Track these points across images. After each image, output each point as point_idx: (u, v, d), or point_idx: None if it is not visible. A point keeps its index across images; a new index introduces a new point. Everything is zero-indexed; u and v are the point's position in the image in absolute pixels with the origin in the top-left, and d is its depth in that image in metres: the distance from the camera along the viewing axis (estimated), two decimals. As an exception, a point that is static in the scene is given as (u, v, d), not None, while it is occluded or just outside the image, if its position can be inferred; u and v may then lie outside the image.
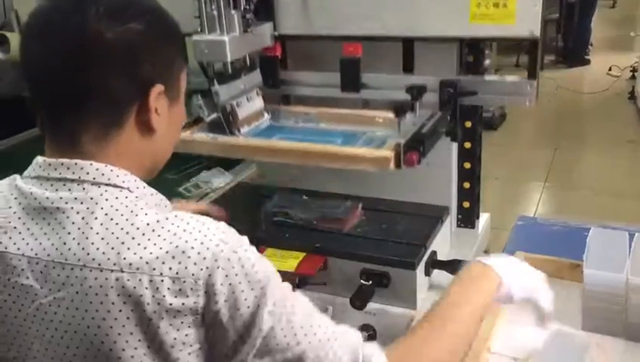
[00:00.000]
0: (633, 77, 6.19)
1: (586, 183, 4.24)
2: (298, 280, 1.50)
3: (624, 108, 5.69)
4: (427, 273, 1.58)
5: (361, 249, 1.55)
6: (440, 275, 1.62)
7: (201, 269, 0.84)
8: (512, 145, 4.84)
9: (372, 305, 1.48)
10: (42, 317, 0.87)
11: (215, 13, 1.51)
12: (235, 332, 0.86)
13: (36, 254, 0.87)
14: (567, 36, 7.01)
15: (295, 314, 0.90)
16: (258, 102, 1.71)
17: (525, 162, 4.64)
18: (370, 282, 1.49)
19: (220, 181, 2.42)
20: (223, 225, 0.90)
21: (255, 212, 1.66)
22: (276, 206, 1.73)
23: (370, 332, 1.48)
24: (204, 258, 0.84)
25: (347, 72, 1.71)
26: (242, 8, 1.56)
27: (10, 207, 0.91)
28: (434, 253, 1.60)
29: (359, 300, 1.45)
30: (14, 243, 0.89)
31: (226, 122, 1.60)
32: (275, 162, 1.73)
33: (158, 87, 0.93)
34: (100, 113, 0.91)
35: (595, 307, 1.32)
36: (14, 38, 2.46)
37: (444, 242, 1.73)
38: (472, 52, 1.69)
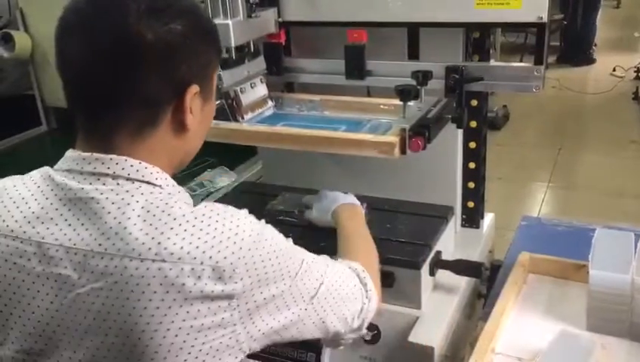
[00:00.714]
0: (637, 77, 6.16)
1: (590, 183, 4.22)
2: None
3: (628, 108, 5.67)
4: (432, 273, 1.57)
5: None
6: (444, 275, 1.62)
7: (239, 258, 0.89)
8: (515, 145, 4.83)
9: (376, 305, 1.48)
10: (79, 307, 0.87)
11: None
12: (269, 314, 0.95)
13: (74, 244, 0.88)
14: (571, 35, 6.99)
15: (327, 297, 1.05)
16: (262, 89, 1.70)
17: (529, 162, 4.63)
18: (375, 282, 1.49)
19: (224, 180, 2.42)
20: (247, 214, 0.96)
21: (259, 211, 1.65)
22: (280, 205, 1.73)
23: (374, 332, 1.48)
24: (240, 247, 0.90)
25: (352, 59, 1.70)
26: None
27: (47, 198, 0.92)
28: (439, 252, 1.60)
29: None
30: (52, 234, 0.89)
31: (230, 108, 1.60)
32: (280, 149, 1.72)
33: (194, 88, 0.95)
34: (137, 112, 0.92)
35: (601, 308, 1.32)
36: (19, 37, 2.46)
37: (448, 242, 1.72)
38: (478, 37, 1.68)
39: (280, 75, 1.81)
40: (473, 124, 1.79)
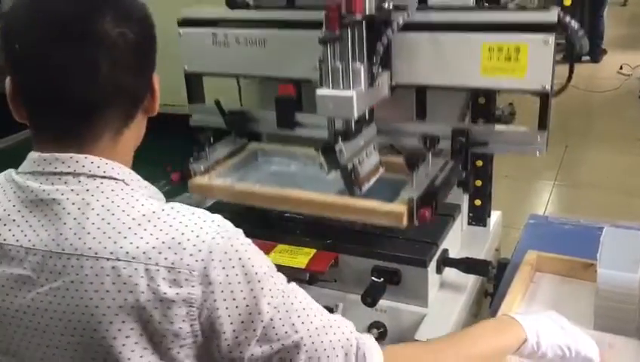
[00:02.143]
0: (644, 75, 6.16)
1: (596, 182, 4.21)
2: (309, 277, 1.50)
3: (635, 106, 5.65)
4: (438, 271, 1.57)
5: (373, 246, 1.54)
6: (451, 273, 1.62)
7: (197, 261, 0.86)
8: (521, 143, 4.82)
9: (383, 303, 1.48)
10: (37, 306, 0.88)
11: (339, 66, 1.44)
12: (233, 324, 0.88)
13: (34, 245, 0.89)
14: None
15: (293, 303, 0.93)
16: (375, 157, 1.66)
17: (535, 160, 4.59)
18: (382, 279, 1.49)
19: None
20: (218, 217, 0.92)
21: (267, 208, 1.66)
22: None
23: (380, 330, 1.48)
24: (200, 250, 0.86)
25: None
26: (368, 61, 1.49)
27: (10, 200, 0.93)
28: (445, 250, 1.60)
29: (370, 297, 1.44)
30: (13, 235, 0.90)
31: (347, 180, 1.56)
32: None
33: (156, 76, 1.00)
34: (121, 110, 0.95)
35: (608, 306, 1.31)
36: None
37: (455, 240, 1.72)
38: (483, 102, 1.73)
39: (292, 129, 1.84)
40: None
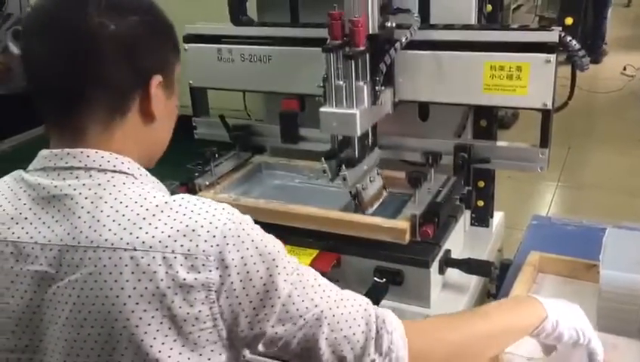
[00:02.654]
0: (648, 76, 6.14)
1: (599, 183, 4.20)
2: (312, 277, 1.50)
3: (638, 107, 5.64)
4: (441, 271, 1.57)
5: (375, 246, 1.54)
6: (454, 274, 1.61)
7: (212, 246, 0.88)
8: (524, 143, 4.82)
9: (385, 303, 1.48)
10: (58, 300, 0.89)
11: (342, 84, 1.46)
12: (251, 302, 0.90)
13: (49, 241, 0.90)
14: (582, 33, 6.95)
15: (308, 279, 0.96)
16: (378, 181, 1.69)
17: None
18: (384, 280, 1.49)
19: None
20: (227, 205, 0.94)
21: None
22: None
23: (383, 330, 1.48)
24: (214, 236, 0.88)
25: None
26: (371, 79, 1.51)
27: (20, 199, 0.94)
28: (448, 251, 1.60)
29: (373, 298, 1.44)
30: (27, 233, 0.91)
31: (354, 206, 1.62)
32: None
33: (158, 77, 0.98)
34: (105, 102, 0.95)
35: (611, 307, 1.31)
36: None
37: (458, 241, 1.72)
38: (484, 117, 1.76)
39: (295, 143, 1.87)
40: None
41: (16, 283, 0.91)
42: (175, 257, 0.86)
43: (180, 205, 0.91)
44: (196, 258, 0.87)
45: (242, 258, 0.89)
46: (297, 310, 0.93)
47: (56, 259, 0.89)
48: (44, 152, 0.96)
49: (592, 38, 6.95)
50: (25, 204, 0.93)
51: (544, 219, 1.99)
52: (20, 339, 0.93)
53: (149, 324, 0.86)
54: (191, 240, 0.87)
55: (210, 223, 0.89)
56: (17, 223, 0.92)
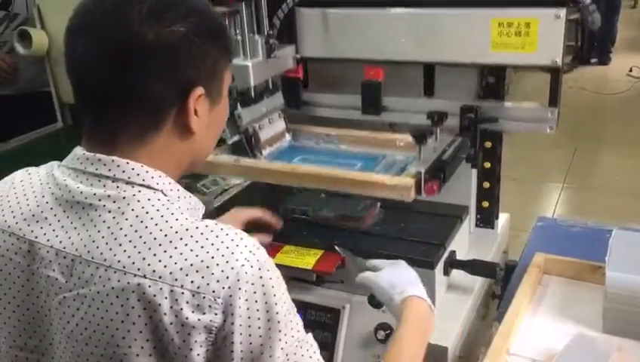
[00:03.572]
0: (654, 78, 6.13)
1: (606, 184, 4.20)
2: (316, 278, 1.50)
3: (645, 109, 5.63)
4: (446, 272, 1.57)
5: (380, 247, 1.54)
6: (458, 275, 1.61)
7: (223, 287, 0.83)
8: (530, 145, 4.80)
9: (390, 304, 1.47)
10: (64, 311, 0.88)
11: (239, 38, 1.54)
12: (243, 358, 0.86)
13: (64, 248, 0.89)
14: (590, 35, 6.93)
15: (303, 355, 0.91)
16: (280, 124, 1.75)
17: (544, 163, 4.60)
18: (389, 281, 1.48)
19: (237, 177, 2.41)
20: (252, 242, 0.88)
21: (273, 209, 1.66)
22: (295, 203, 1.73)
23: (387, 332, 1.48)
24: (227, 276, 0.83)
25: (368, 95, 1.73)
26: (266, 33, 1.58)
27: (44, 197, 0.93)
28: (453, 252, 1.59)
29: (376, 300, 1.44)
30: (44, 234, 0.91)
31: (248, 144, 1.65)
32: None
33: (199, 90, 0.92)
34: (139, 115, 0.90)
35: (617, 309, 1.30)
36: (36, 34, 2.47)
37: (463, 242, 1.71)
38: (492, 77, 1.70)
39: (298, 108, 1.86)
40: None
41: (32, 283, 0.91)
42: (182, 293, 0.82)
43: (201, 234, 0.86)
44: (204, 297, 0.82)
45: (248, 309, 0.84)
46: None
47: (69, 268, 0.88)
48: (78, 151, 0.94)
49: (602, 40, 6.95)
50: (47, 203, 0.92)
51: (549, 220, 1.98)
52: (31, 339, 0.93)
53: (150, 355, 0.84)
54: (203, 277, 0.83)
55: (227, 262, 0.84)
56: (37, 221, 0.91)
